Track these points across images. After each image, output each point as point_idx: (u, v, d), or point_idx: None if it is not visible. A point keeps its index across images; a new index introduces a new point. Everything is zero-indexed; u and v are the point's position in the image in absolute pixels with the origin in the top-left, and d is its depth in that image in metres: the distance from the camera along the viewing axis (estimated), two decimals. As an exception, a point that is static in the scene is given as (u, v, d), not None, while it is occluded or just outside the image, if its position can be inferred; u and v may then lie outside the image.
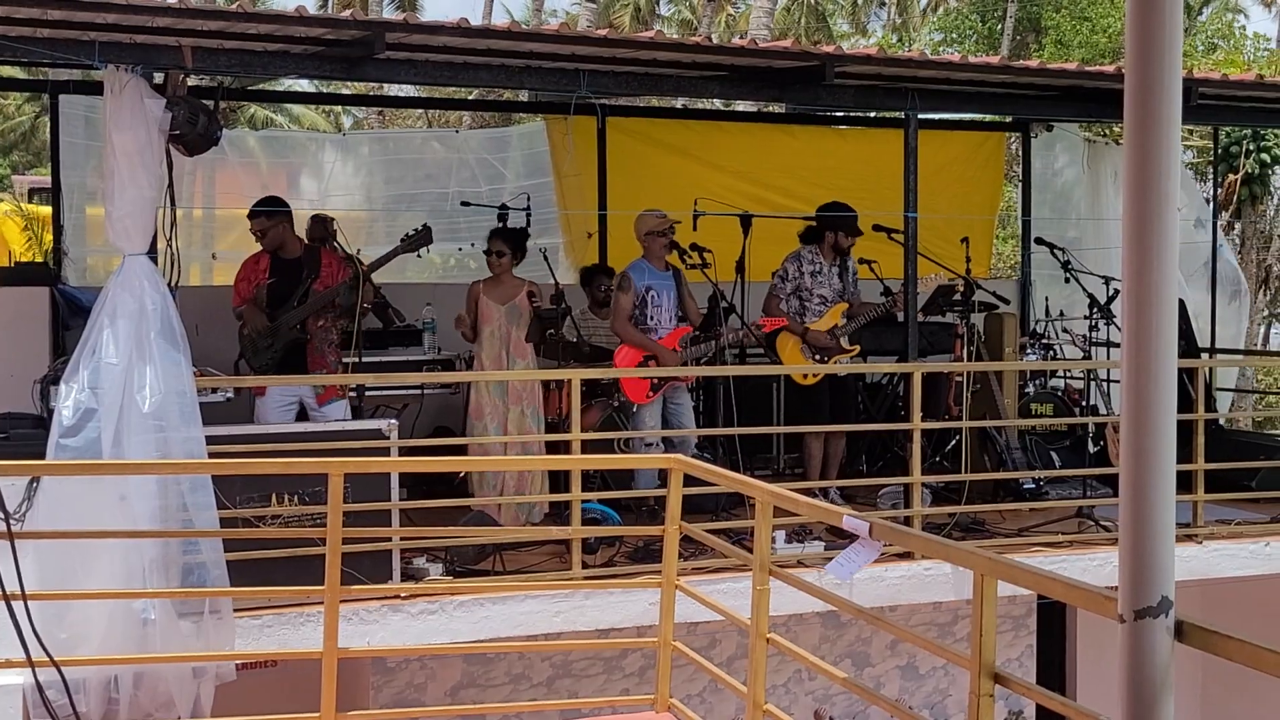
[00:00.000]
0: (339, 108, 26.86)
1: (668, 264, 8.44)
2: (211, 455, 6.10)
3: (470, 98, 18.16)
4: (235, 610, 6.21)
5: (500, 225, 8.57)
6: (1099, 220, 11.75)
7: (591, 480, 8.08)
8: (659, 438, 8.18)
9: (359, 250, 7.93)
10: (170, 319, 6.15)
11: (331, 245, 8.70)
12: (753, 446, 9.09)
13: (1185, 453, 8.03)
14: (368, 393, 7.53)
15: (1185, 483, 8.11)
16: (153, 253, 6.24)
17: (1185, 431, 8.01)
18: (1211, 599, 8.79)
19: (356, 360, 7.42)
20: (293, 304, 7.51)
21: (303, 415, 7.55)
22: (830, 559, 4.52)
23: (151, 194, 6.17)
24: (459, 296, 8.55)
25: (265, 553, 6.26)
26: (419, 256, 8.07)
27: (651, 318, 8.38)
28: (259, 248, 7.68)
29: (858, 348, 8.89)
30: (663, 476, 7.75)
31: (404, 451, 6.96)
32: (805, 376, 8.64)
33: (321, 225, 9.01)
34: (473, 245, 10.40)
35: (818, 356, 8.74)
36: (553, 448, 8.00)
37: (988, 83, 8.45)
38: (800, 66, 7.68)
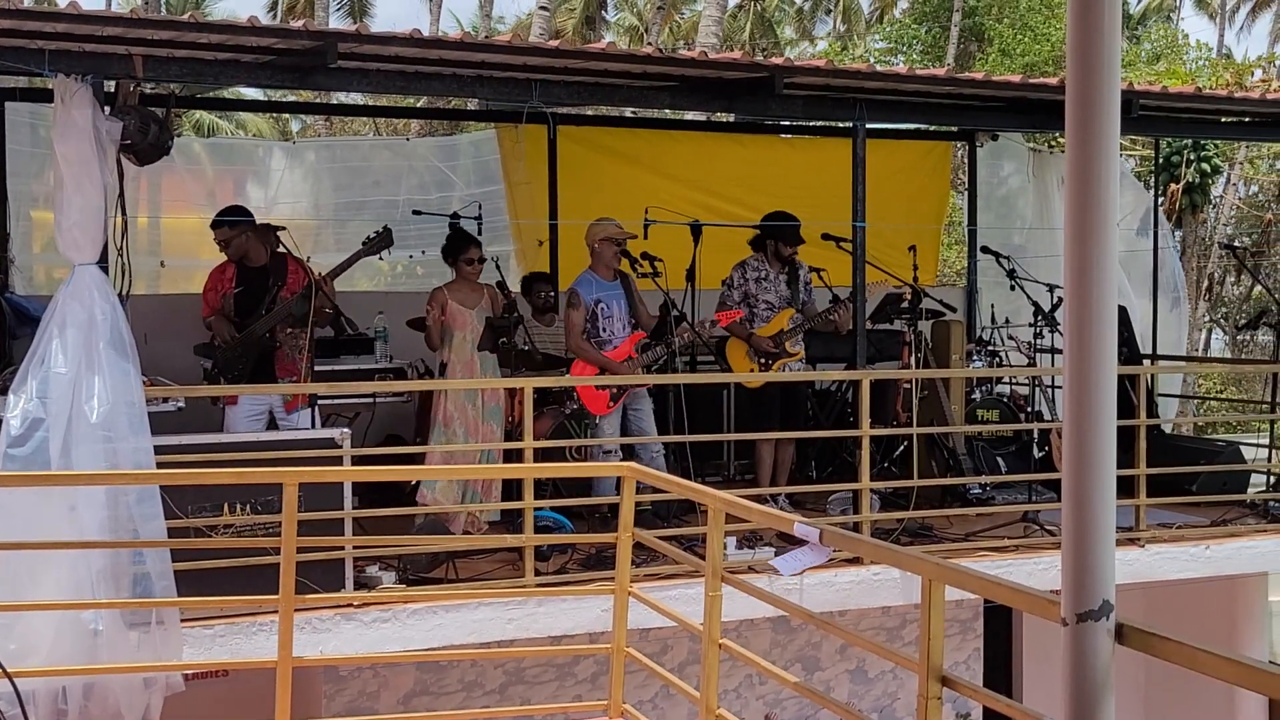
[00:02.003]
0: (287, 115, 26.72)
1: (616, 272, 8.47)
2: (167, 465, 6.07)
3: (420, 105, 18.12)
4: (189, 620, 6.18)
5: (461, 231, 8.56)
6: (1048, 230, 11.89)
7: (544, 488, 8.09)
8: (618, 445, 8.20)
9: (309, 258, 7.90)
10: (120, 329, 6.12)
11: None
12: (704, 453, 9.14)
13: (1128, 458, 8.16)
14: (321, 402, 7.51)
15: (1128, 487, 8.24)
16: (104, 262, 6.21)
17: (1128, 437, 8.17)
18: (1154, 602, 8.92)
19: (309, 369, 7.40)
20: (261, 312, 7.49)
21: (273, 424, 7.54)
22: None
23: (99, 203, 6.13)
24: (410, 304, 8.54)
25: (219, 562, 6.24)
26: (380, 259, 8.06)
27: (604, 329, 8.41)
28: (209, 256, 7.65)
29: (801, 352, 8.95)
30: (618, 484, 7.79)
31: (357, 460, 6.95)
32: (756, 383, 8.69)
33: (265, 234, 8.98)
34: (423, 253, 10.39)
35: (764, 360, 8.81)
36: (506, 456, 8.00)
37: (934, 94, 8.55)
38: (749, 78, 7.75)
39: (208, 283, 7.72)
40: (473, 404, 7.93)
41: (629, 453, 8.25)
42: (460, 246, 8.22)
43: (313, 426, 7.25)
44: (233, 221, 7.65)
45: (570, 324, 8.43)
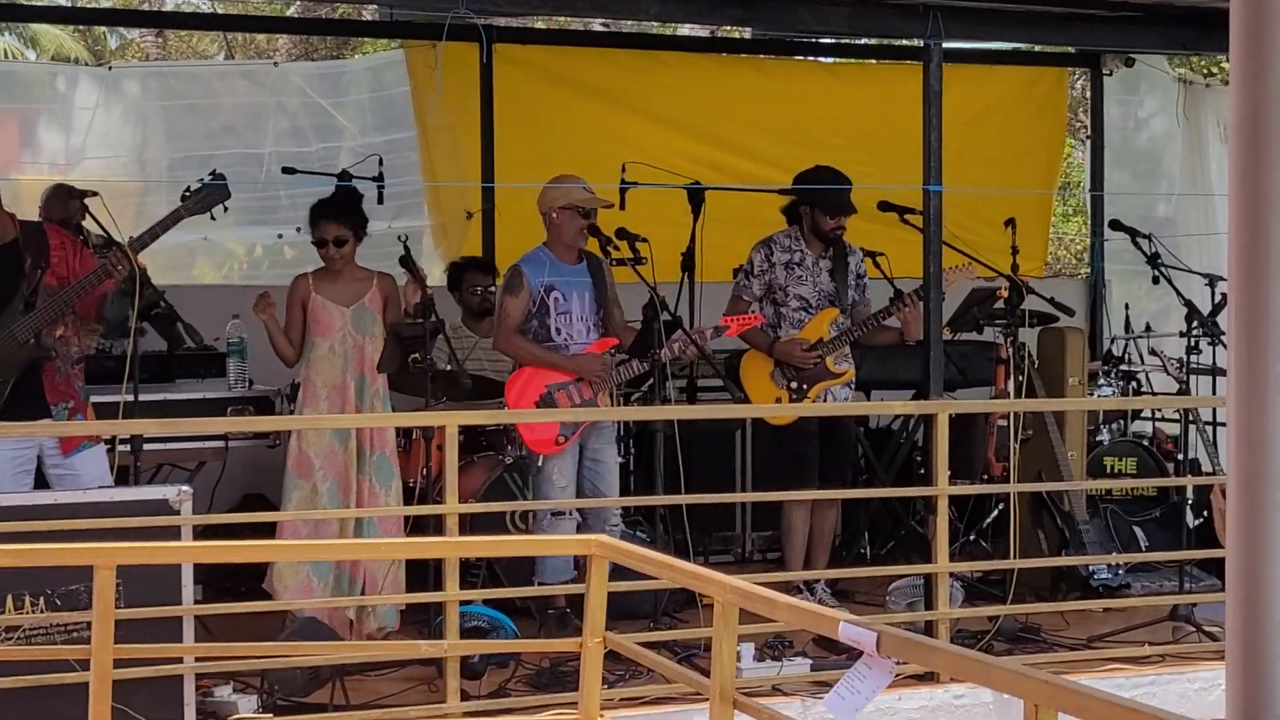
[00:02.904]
0: (101, 28, 26.68)
1: (582, 253, 8.49)
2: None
3: (292, 12, 18.11)
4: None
5: (330, 198, 8.51)
6: (1205, 196, 11.95)
7: (474, 572, 8.06)
8: (574, 506, 8.21)
9: (131, 241, 7.89)
10: None
11: (82, 231, 8.62)
12: (709, 519, 9.13)
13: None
14: (146, 447, 7.49)
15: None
16: None
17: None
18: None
19: (131, 400, 7.37)
20: (17, 307, 7.40)
21: (42, 475, 7.46)
22: (824, 683, 4.57)
23: None
24: (279, 303, 8.52)
25: (-4, 682, 6.20)
26: (213, 219, 8.01)
27: (558, 330, 8.43)
28: None
29: (850, 371, 8.97)
30: (580, 565, 7.79)
31: (202, 532, 6.93)
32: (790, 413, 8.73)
33: (66, 201, 8.95)
34: (298, 231, 10.39)
35: (794, 385, 8.83)
36: (418, 525, 7.99)
37: (1040, -1, 8.60)
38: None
39: None
40: (343, 445, 7.91)
41: (583, 518, 8.28)
42: (312, 220, 8.20)
43: (130, 480, 7.21)
44: None
45: (503, 314, 8.45)
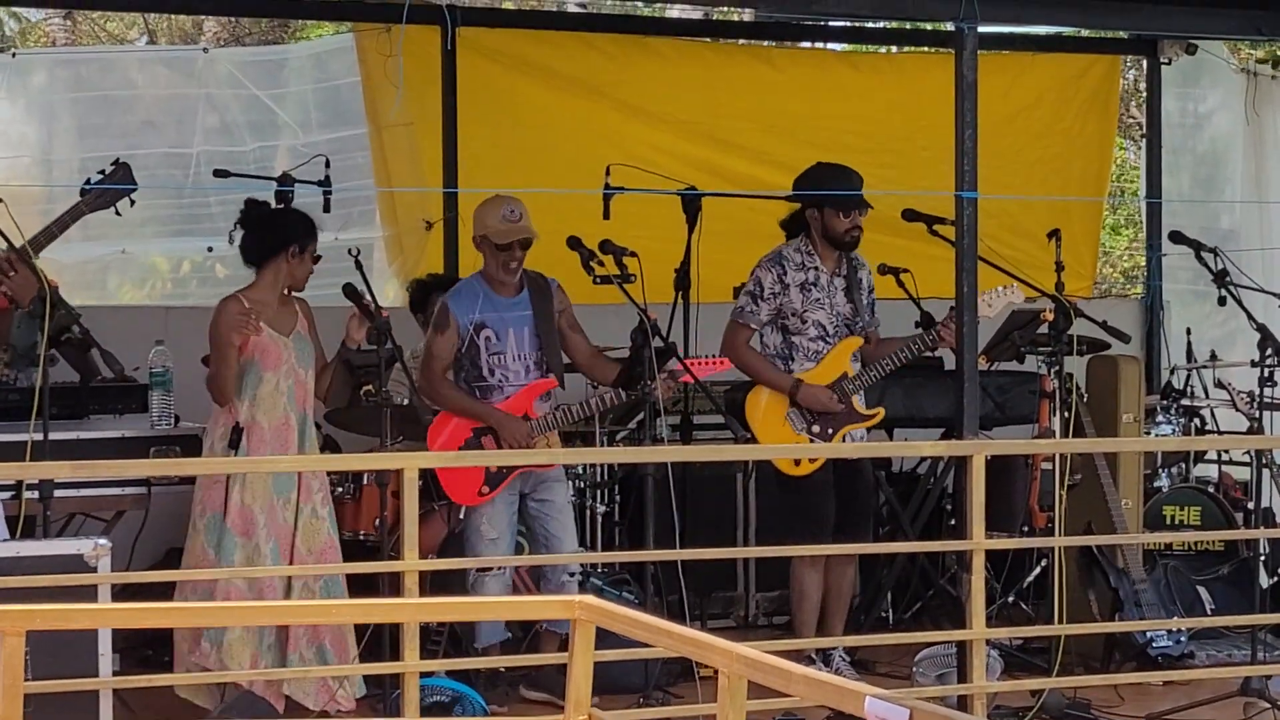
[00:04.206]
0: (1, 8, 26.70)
1: (524, 279, 8.52)
2: None
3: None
4: None
5: (260, 207, 8.52)
6: (1269, 204, 11.98)
7: (435, 637, 8.06)
8: (551, 562, 8.23)
9: (34, 251, 7.89)
10: None
11: None
12: (708, 577, 9.13)
13: None
14: (57, 493, 7.48)
15: None
16: None
17: None
18: None
19: (39, 439, 7.37)
20: None
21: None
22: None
23: None
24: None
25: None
26: (118, 214, 8.03)
27: (491, 371, 8.46)
28: None
29: (881, 413, 8.98)
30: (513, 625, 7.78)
31: (120, 592, 6.92)
32: (797, 462, 8.72)
33: None
34: (231, 242, 10.38)
35: (817, 429, 8.83)
36: (369, 584, 7.97)
37: (1091, -24, 8.64)
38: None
39: None
40: (284, 498, 7.89)
41: (536, 577, 8.28)
42: (313, 234, 8.20)
43: (38, 533, 7.22)
44: None
45: (429, 353, 8.52)
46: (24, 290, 7.45)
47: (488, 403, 8.41)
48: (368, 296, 8.16)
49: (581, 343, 8.65)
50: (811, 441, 8.80)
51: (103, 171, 7.72)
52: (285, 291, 8.14)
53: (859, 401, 8.89)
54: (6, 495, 7.58)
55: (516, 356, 8.48)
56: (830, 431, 8.81)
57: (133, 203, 7.83)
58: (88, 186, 7.73)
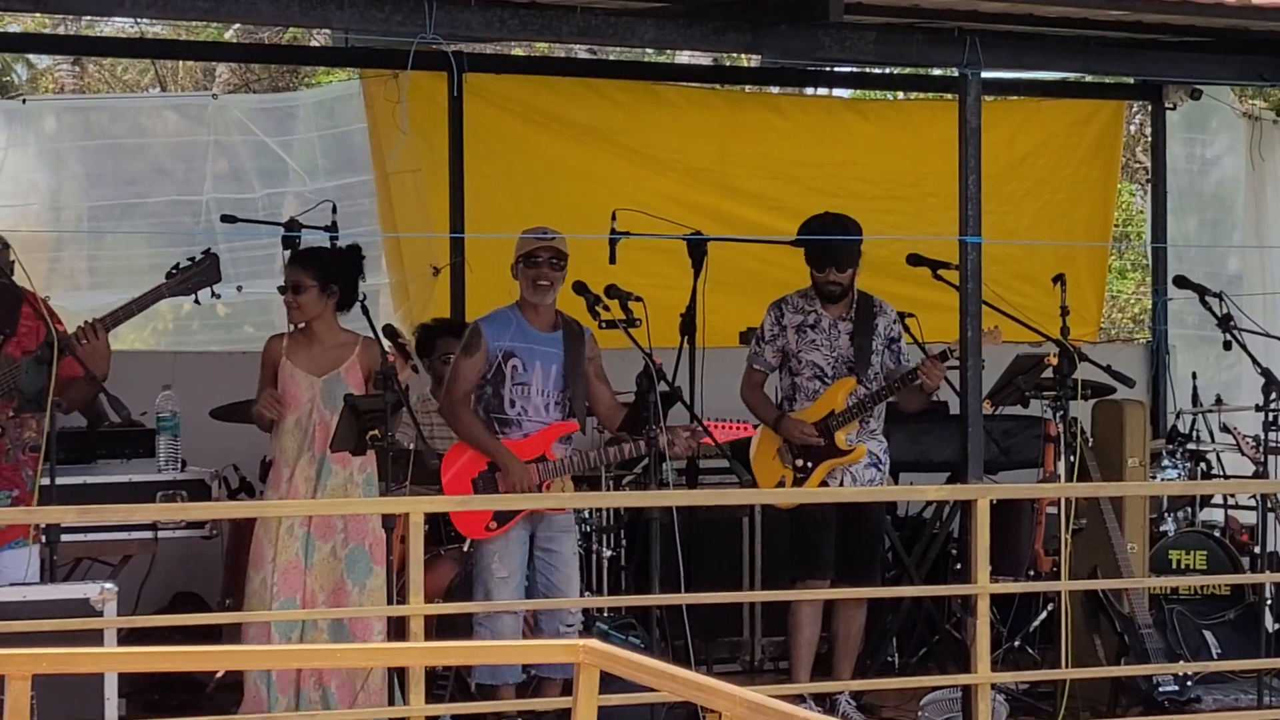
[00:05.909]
0: (7, 54, 26.73)
1: (560, 320, 8.52)
2: None
3: (230, 37, 18.12)
4: None
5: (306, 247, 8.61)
6: (1270, 249, 11.98)
7: (441, 681, 8.06)
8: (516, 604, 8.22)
9: (47, 298, 7.94)
10: None
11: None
12: (712, 622, 9.13)
13: None
14: (64, 538, 7.49)
15: None
16: None
17: None
18: None
19: (46, 483, 7.38)
20: None
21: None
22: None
23: None
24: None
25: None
26: (197, 303, 8.09)
27: (511, 402, 8.46)
28: None
29: (862, 450, 8.99)
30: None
31: (127, 637, 6.93)
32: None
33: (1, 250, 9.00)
34: (239, 289, 10.43)
35: (800, 463, 8.85)
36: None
37: (1094, 22, 8.65)
38: (788, -4, 7.84)
39: None
40: (290, 532, 7.89)
41: (534, 623, 8.27)
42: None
43: (48, 577, 7.23)
44: None
45: (454, 375, 8.50)
46: (96, 361, 7.52)
47: (500, 439, 8.42)
48: (404, 336, 8.23)
49: (605, 393, 8.65)
50: (795, 474, 8.83)
51: (192, 259, 7.76)
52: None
53: (844, 438, 8.89)
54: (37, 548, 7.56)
55: (540, 391, 8.47)
56: (810, 465, 8.85)
57: (215, 295, 7.89)
58: (174, 270, 7.76)
